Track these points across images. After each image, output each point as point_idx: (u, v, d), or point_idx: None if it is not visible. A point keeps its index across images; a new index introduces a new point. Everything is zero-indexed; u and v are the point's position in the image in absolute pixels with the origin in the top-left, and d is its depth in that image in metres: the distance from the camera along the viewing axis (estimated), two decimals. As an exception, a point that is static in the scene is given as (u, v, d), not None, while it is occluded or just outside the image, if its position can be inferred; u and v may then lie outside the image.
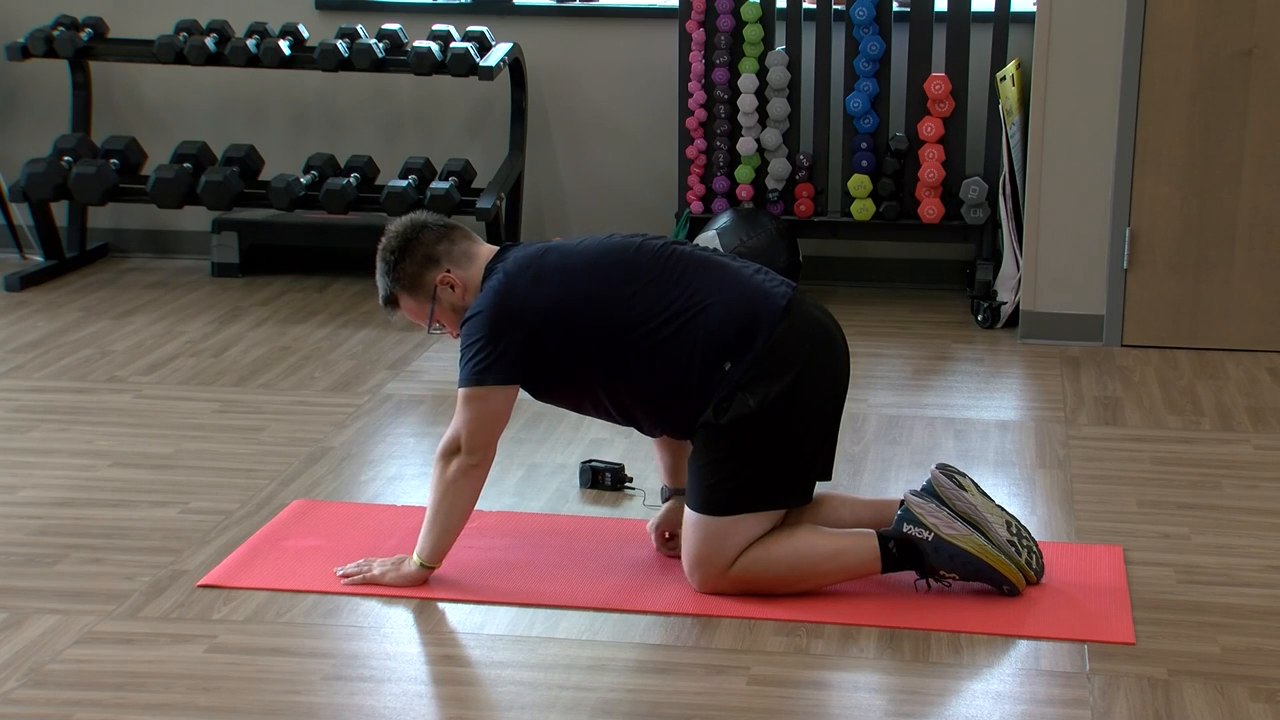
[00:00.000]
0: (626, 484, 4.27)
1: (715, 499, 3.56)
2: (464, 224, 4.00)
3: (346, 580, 3.68)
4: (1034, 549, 3.67)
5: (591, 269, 3.63)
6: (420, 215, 3.78)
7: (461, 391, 3.60)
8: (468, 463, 3.60)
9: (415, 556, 3.67)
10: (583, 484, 4.29)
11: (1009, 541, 3.61)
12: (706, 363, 3.54)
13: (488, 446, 3.63)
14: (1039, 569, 3.67)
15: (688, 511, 3.62)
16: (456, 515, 3.65)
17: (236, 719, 3.12)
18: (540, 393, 3.72)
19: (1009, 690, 3.26)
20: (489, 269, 3.67)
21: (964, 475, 3.70)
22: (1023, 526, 3.68)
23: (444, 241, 3.70)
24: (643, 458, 4.42)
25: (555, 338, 3.58)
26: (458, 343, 3.66)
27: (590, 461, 4.30)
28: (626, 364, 3.59)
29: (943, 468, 3.70)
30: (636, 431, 3.80)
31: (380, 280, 3.72)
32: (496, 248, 3.75)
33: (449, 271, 3.68)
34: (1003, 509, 3.68)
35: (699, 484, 3.59)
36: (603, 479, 4.26)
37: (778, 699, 3.21)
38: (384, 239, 3.73)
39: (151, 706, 3.16)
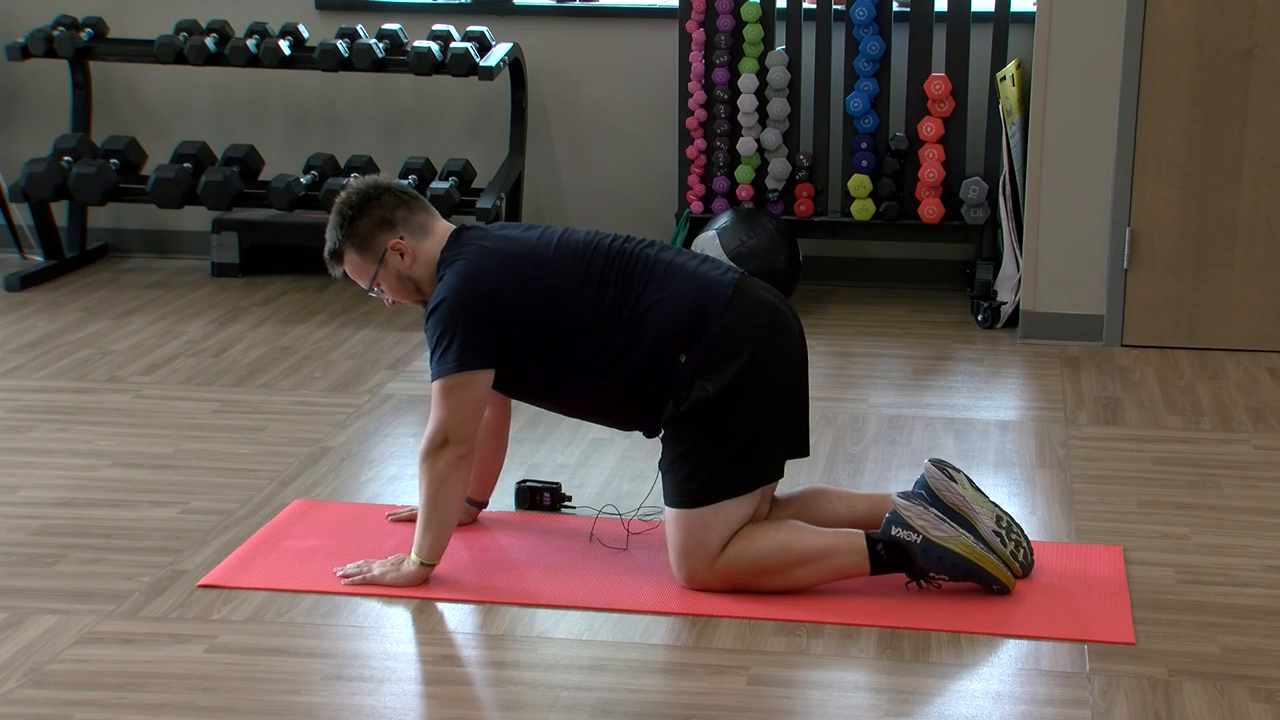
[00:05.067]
0: (565, 502, 4.14)
1: (691, 489, 3.58)
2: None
3: (346, 581, 3.68)
4: (1022, 542, 3.68)
5: (555, 264, 3.64)
6: (383, 177, 3.79)
7: (439, 384, 3.59)
8: (457, 454, 3.60)
9: (414, 555, 3.67)
10: (519, 505, 4.14)
11: (995, 533, 3.61)
12: (661, 359, 3.57)
13: (475, 435, 3.64)
14: (1026, 563, 3.68)
15: (667, 511, 3.63)
16: (453, 510, 3.66)
17: (236, 719, 3.13)
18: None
19: (1009, 690, 3.26)
20: (447, 252, 3.68)
21: (957, 470, 3.71)
22: (1013, 521, 3.69)
23: (402, 208, 3.71)
24: (643, 457, 4.42)
25: (516, 326, 3.60)
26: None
27: (525, 482, 4.16)
28: (581, 362, 3.61)
29: (936, 461, 3.71)
30: (639, 433, 3.81)
31: (331, 233, 3.72)
32: (454, 227, 3.75)
33: (402, 238, 3.69)
34: (995, 505, 3.69)
35: (673, 479, 3.61)
36: (541, 499, 4.13)
37: (778, 699, 3.21)
38: (344, 193, 3.73)
39: (151, 706, 3.16)
